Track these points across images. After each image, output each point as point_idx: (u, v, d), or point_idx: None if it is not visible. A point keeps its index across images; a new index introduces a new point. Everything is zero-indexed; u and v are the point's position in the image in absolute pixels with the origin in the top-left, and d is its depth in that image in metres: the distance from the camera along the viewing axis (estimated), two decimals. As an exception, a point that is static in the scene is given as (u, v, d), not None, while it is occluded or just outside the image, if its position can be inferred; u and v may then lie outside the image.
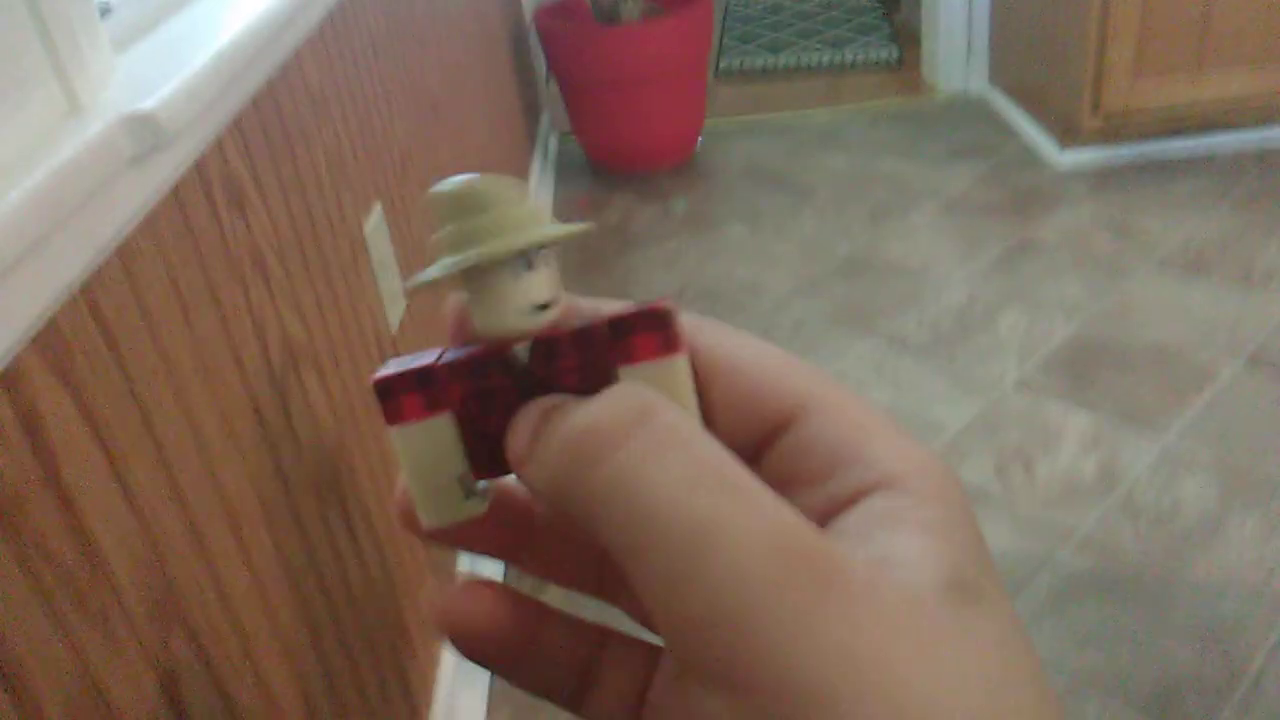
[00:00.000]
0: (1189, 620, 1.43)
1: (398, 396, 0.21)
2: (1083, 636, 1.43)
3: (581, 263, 2.54)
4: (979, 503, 1.68)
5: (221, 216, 0.82)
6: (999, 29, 3.17)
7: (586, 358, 0.21)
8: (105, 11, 0.82)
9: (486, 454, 0.22)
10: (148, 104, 0.66)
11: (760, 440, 0.21)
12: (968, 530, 0.19)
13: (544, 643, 0.23)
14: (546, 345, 0.21)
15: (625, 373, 0.21)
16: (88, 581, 0.58)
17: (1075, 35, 2.57)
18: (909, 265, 2.38)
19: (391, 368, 0.22)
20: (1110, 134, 2.68)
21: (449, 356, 0.22)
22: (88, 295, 0.61)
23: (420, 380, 0.21)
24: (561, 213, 2.84)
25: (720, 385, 0.21)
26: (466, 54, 2.13)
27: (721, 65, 3.80)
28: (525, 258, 0.21)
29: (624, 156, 2.99)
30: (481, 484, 0.22)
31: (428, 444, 0.21)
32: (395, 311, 1.30)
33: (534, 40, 3.20)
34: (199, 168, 0.79)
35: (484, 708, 1.42)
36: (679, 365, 0.21)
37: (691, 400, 0.21)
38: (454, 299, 0.23)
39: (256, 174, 0.91)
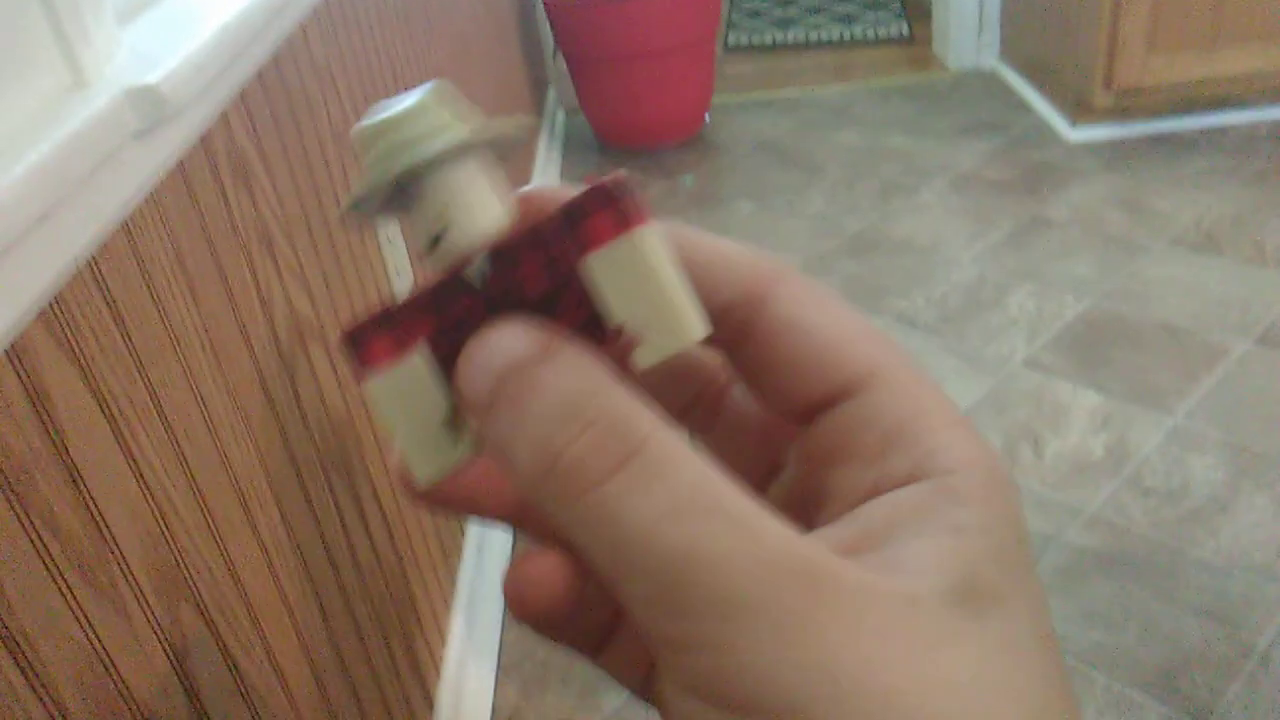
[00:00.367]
0: (1197, 598, 1.43)
1: (363, 345, 0.20)
2: (1091, 614, 1.43)
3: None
4: (987, 481, 1.67)
5: (227, 191, 0.82)
6: (1010, 4, 3.14)
7: (547, 257, 0.20)
8: (110, -16, 0.82)
9: None
10: (152, 77, 0.66)
11: (820, 402, 0.21)
12: (1002, 533, 0.19)
13: (582, 598, 0.22)
14: (503, 254, 0.20)
15: (591, 262, 0.19)
16: (96, 555, 0.58)
17: (1088, 11, 2.54)
18: (918, 242, 2.37)
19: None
20: (1122, 111, 2.66)
21: (407, 296, 0.20)
22: (93, 270, 0.61)
23: (383, 322, 0.20)
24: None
25: (789, 342, 0.21)
26: (473, 28, 2.12)
27: (730, 40, 3.77)
28: (398, 193, 0.20)
29: (631, 132, 2.98)
30: (458, 424, 0.20)
31: (404, 390, 0.20)
32: (402, 287, 1.30)
33: (541, 14, 3.18)
34: (204, 142, 0.78)
35: (492, 681, 1.42)
36: (643, 239, 0.19)
37: (668, 271, 0.19)
38: None
39: (262, 148, 0.90)
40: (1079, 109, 2.70)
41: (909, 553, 0.18)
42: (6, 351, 0.52)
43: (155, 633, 0.63)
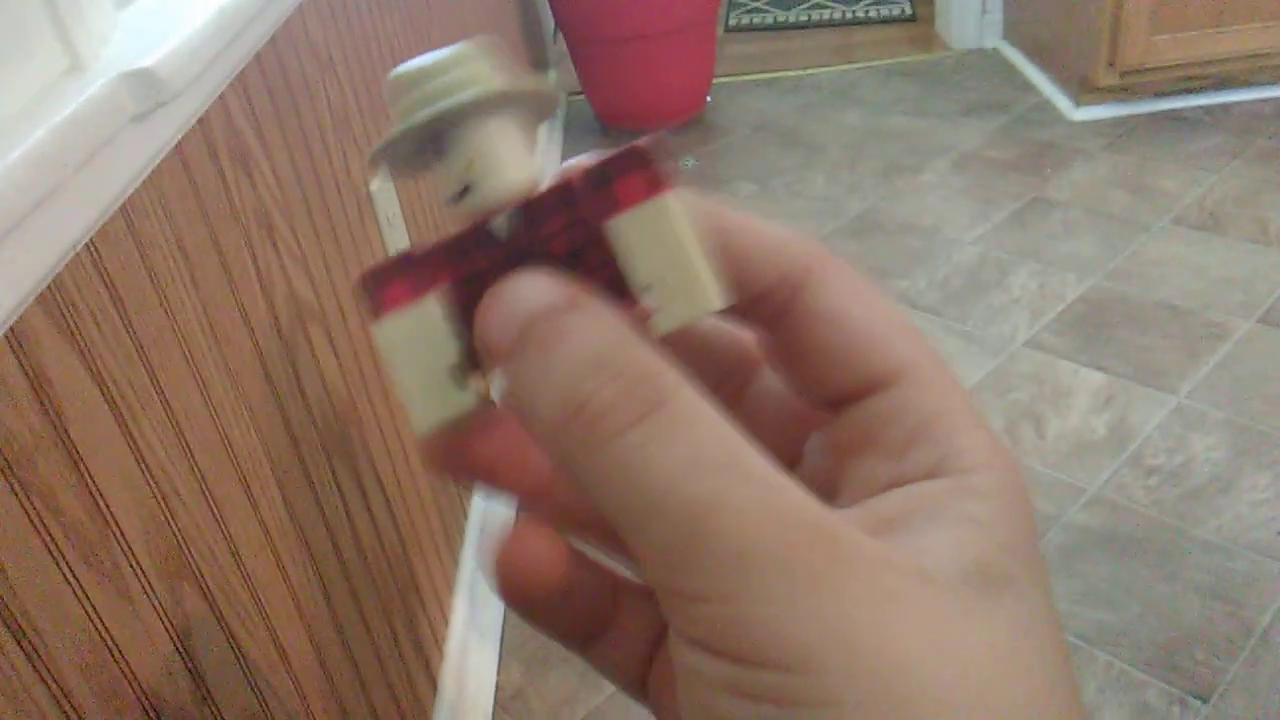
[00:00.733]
0: (1198, 577, 1.43)
1: (380, 287, 0.20)
2: (1092, 593, 1.43)
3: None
4: (989, 461, 1.67)
5: (226, 174, 0.82)
6: (1014, -18, 3.12)
7: (571, 216, 0.20)
8: (106, -33, 0.81)
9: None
10: (148, 60, 0.66)
11: (851, 392, 0.21)
12: (1015, 529, 0.19)
13: (574, 587, 0.22)
14: (528, 211, 0.20)
15: (616, 224, 0.19)
16: (98, 537, 0.58)
17: (1091, -12, 2.53)
18: (921, 223, 2.36)
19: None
20: (1126, 90, 2.65)
21: (428, 245, 0.20)
22: (92, 254, 0.61)
23: (402, 266, 0.20)
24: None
25: (826, 330, 0.21)
26: (472, 10, 2.11)
27: (730, 21, 3.75)
28: (430, 144, 0.20)
29: (632, 114, 2.97)
30: (467, 374, 0.20)
31: (414, 335, 0.20)
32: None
33: (542, -3, 3.17)
34: (202, 125, 0.78)
35: (495, 662, 1.43)
36: (668, 205, 0.19)
37: (690, 239, 0.19)
38: None
39: (261, 131, 0.90)
40: (1082, 88, 2.69)
41: (925, 539, 0.18)
42: (6, 335, 0.52)
43: (158, 614, 0.63)
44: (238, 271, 0.82)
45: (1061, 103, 2.79)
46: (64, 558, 0.55)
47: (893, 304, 0.21)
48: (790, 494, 0.17)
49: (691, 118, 3.01)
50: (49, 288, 0.56)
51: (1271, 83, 2.65)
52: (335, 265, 1.05)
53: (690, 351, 0.22)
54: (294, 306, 0.93)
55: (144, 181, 0.68)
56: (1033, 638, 0.18)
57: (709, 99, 3.08)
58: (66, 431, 0.56)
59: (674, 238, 0.19)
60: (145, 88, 0.65)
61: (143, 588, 0.62)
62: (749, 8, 3.86)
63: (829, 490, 0.21)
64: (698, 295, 0.19)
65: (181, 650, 0.66)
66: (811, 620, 0.16)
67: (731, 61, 3.40)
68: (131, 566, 0.61)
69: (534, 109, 0.21)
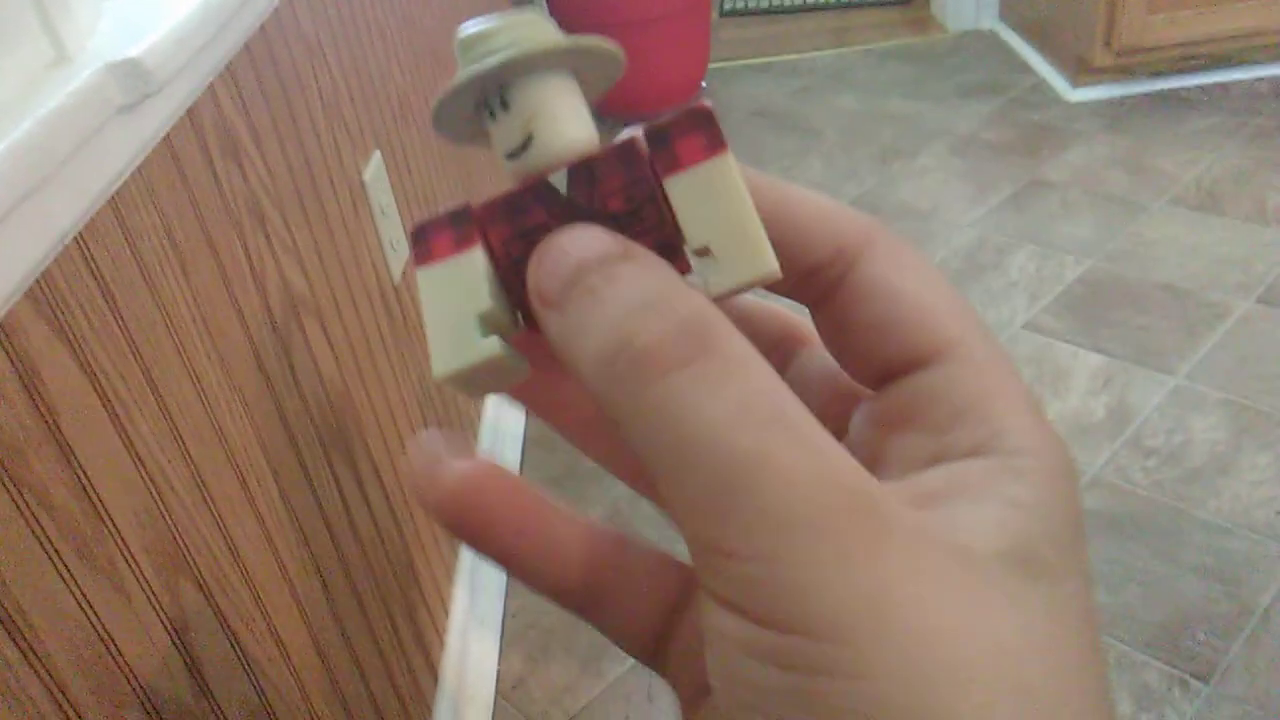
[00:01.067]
0: (1198, 558, 1.43)
1: (427, 238, 0.20)
2: (1092, 575, 1.43)
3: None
4: (988, 444, 1.67)
5: (216, 165, 0.81)
6: (1009, -37, 3.11)
7: (629, 175, 0.20)
8: (92, -43, 0.81)
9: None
10: (135, 51, 0.65)
11: (898, 367, 0.21)
12: (1060, 517, 0.19)
13: (554, 538, 0.22)
14: (585, 169, 0.20)
15: (675, 183, 0.20)
16: (92, 533, 0.58)
17: (1087, -32, 2.51)
18: (918, 207, 2.35)
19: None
20: (1123, 70, 2.64)
21: (484, 201, 0.20)
22: (81, 247, 0.60)
23: (454, 219, 0.20)
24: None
25: (876, 304, 0.21)
26: (466, -2, 2.10)
27: (725, 6, 3.74)
28: (493, 98, 0.20)
29: (627, 100, 2.95)
30: (501, 346, 0.20)
31: (451, 283, 0.20)
32: (397, 260, 1.29)
33: (535, -17, 3.15)
34: (191, 116, 0.77)
35: (496, 652, 1.43)
36: (727, 165, 0.19)
37: (746, 202, 0.19)
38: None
39: (251, 121, 0.89)
40: (1079, 69, 2.68)
41: (967, 517, 0.18)
42: (-6, 330, 0.52)
43: (155, 609, 0.63)
44: (229, 263, 0.81)
45: (1058, 84, 2.78)
46: (58, 553, 0.55)
47: (944, 278, 0.21)
48: (836, 458, 0.17)
49: (687, 103, 2.99)
50: (37, 281, 0.56)
51: (1269, 61, 2.63)
52: (329, 255, 1.05)
53: (739, 319, 0.22)
54: (287, 297, 0.92)
55: (132, 173, 0.67)
56: (1066, 626, 0.17)
57: (704, 84, 3.07)
58: (58, 426, 0.56)
59: (733, 199, 0.19)
60: (132, 78, 0.65)
61: (138, 582, 0.62)
62: (744, -8, 3.84)
63: (871, 465, 0.21)
64: (755, 258, 0.19)
65: (179, 644, 0.65)
66: (847, 589, 0.16)
67: (727, 46, 3.38)
68: (127, 561, 0.61)
69: (600, 71, 0.21)
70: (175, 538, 0.67)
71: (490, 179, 2.05)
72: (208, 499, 0.72)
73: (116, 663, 0.58)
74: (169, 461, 0.67)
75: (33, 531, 0.53)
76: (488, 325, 0.20)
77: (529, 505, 0.22)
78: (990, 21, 3.25)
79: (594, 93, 0.21)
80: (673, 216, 0.20)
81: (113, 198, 0.64)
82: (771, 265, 0.19)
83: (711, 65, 3.11)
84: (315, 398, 0.96)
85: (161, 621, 0.64)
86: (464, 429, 1.57)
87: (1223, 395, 1.70)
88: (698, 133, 0.20)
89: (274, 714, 0.78)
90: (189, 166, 0.76)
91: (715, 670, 0.17)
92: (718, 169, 0.20)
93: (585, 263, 0.19)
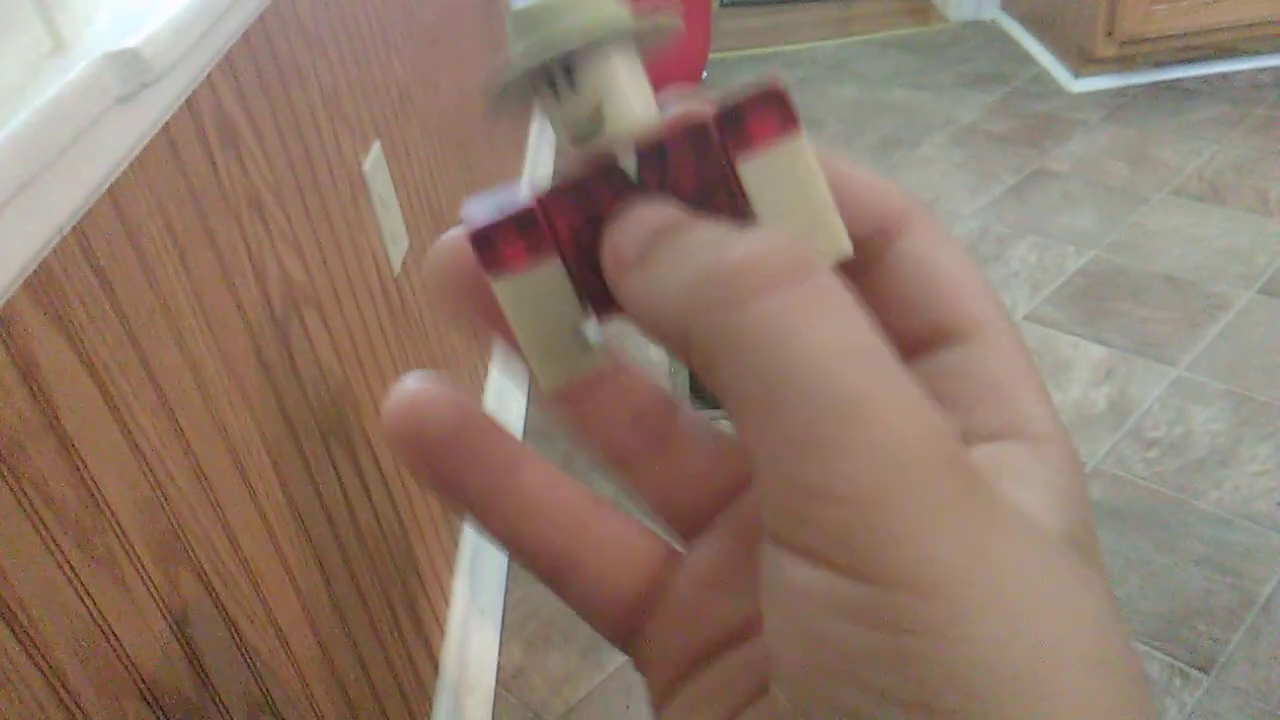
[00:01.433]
0: (1199, 549, 1.43)
1: (499, 247, 0.19)
2: (1092, 566, 1.43)
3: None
4: (989, 435, 1.67)
5: (215, 155, 0.81)
6: (1012, -48, 3.10)
7: (701, 157, 0.19)
8: (89, -54, 0.80)
9: (605, 289, 0.19)
10: (132, 41, 0.65)
11: (925, 340, 0.20)
12: (1086, 502, 0.19)
13: (515, 480, 0.21)
14: (655, 151, 0.19)
15: (748, 166, 0.19)
16: (92, 524, 0.58)
17: (1090, -43, 2.50)
18: (920, 197, 2.34)
19: (482, 211, 0.19)
20: (1125, 61, 2.63)
21: (546, 184, 0.19)
22: (79, 237, 0.60)
23: (521, 225, 0.19)
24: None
25: (911, 278, 0.20)
26: (466, -13, 2.09)
27: (727, -4, 3.73)
28: (561, 74, 0.19)
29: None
30: (593, 332, 0.20)
31: (537, 295, 0.19)
32: (397, 251, 1.29)
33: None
34: (190, 106, 0.77)
35: (496, 640, 1.43)
36: (801, 145, 0.19)
37: (821, 181, 0.19)
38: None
39: (250, 112, 0.89)
40: (1081, 59, 2.67)
41: (1020, 498, 0.18)
42: (-8, 321, 0.52)
43: (154, 600, 0.63)
44: (229, 254, 0.81)
45: (1060, 74, 2.77)
46: (58, 545, 0.55)
47: (975, 266, 0.21)
48: (935, 410, 0.16)
49: (688, 94, 2.99)
50: (35, 273, 0.56)
51: (1271, 52, 2.63)
52: (329, 247, 1.04)
53: None
54: (287, 288, 0.92)
55: (131, 164, 0.67)
56: (1115, 614, 0.17)
57: (705, 74, 3.06)
58: (57, 418, 0.56)
59: (807, 180, 0.19)
60: (130, 68, 0.65)
61: (138, 573, 0.62)
62: (745, -18, 3.83)
63: None
64: (829, 239, 0.19)
65: (179, 635, 0.65)
66: (951, 544, 0.15)
67: (728, 36, 3.37)
68: (126, 552, 0.61)
69: (656, 43, 0.21)
70: (175, 528, 0.67)
71: (491, 167, 2.04)
72: (207, 490, 0.72)
73: (116, 653, 0.59)
74: (168, 452, 0.67)
75: (32, 523, 0.53)
76: (584, 337, 0.19)
77: (481, 430, 0.20)
78: (992, 11, 3.24)
79: (644, 61, 0.21)
80: (745, 197, 0.19)
81: (111, 188, 0.64)
82: (846, 246, 0.19)
83: (713, 55, 3.10)
84: (315, 389, 0.96)
85: (161, 612, 0.64)
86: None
87: (1224, 386, 1.70)
88: (771, 112, 0.19)
89: (274, 704, 0.78)
90: (187, 157, 0.76)
91: (789, 637, 0.16)
92: (792, 149, 0.19)
93: (665, 225, 0.18)
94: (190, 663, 0.66)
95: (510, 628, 1.46)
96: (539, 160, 2.62)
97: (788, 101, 0.19)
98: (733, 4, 3.67)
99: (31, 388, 0.54)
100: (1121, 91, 2.65)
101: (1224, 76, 2.63)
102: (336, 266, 1.06)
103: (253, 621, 0.76)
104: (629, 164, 0.19)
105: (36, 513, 0.53)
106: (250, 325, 0.83)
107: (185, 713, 0.65)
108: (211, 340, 0.76)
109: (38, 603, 0.52)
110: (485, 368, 1.73)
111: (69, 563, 0.55)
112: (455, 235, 0.20)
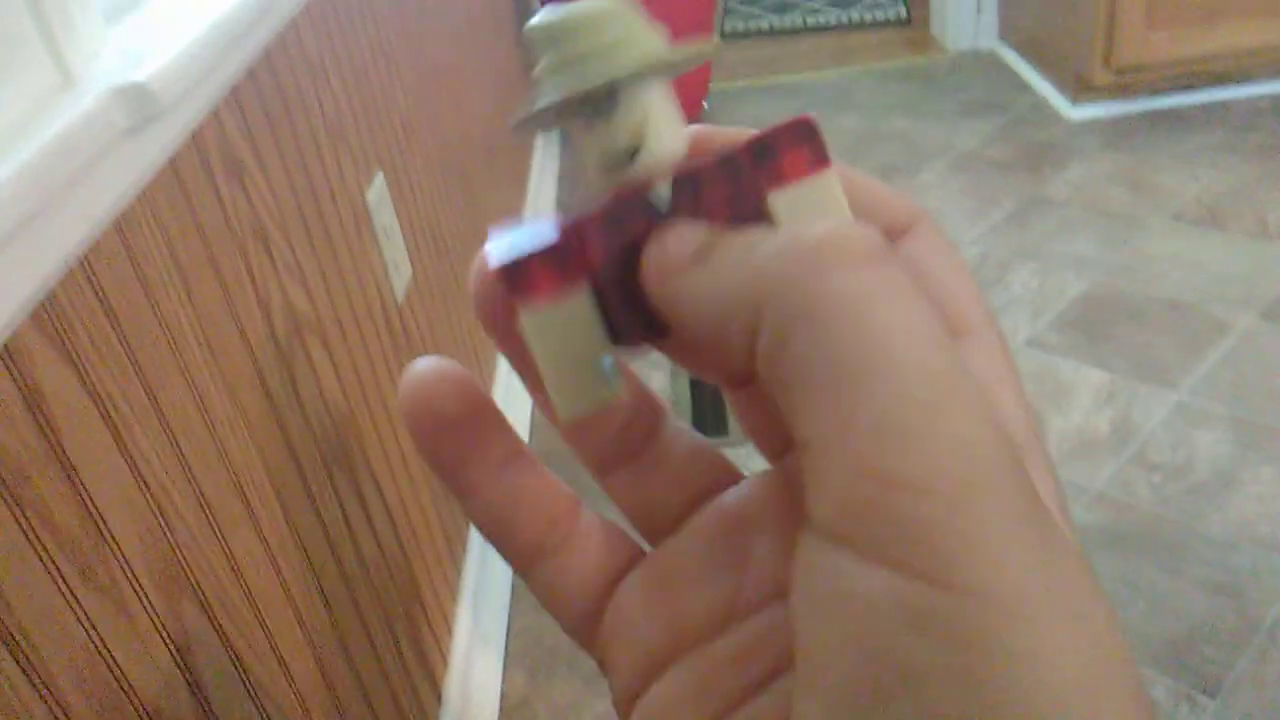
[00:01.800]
0: (1204, 574, 1.43)
1: (530, 279, 0.19)
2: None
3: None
4: (991, 461, 1.67)
5: (220, 187, 0.82)
6: (1008, -18, 3.12)
7: (735, 188, 0.19)
8: (97, -17, 0.82)
9: (636, 317, 0.19)
10: (140, 75, 0.66)
11: None
12: (1064, 509, 0.19)
13: (513, 482, 0.21)
14: (689, 180, 0.19)
15: (778, 198, 0.19)
16: (95, 553, 0.58)
17: (1086, -13, 2.53)
18: (919, 225, 2.36)
19: (506, 247, 0.19)
20: (1122, 88, 2.65)
21: (575, 215, 0.19)
22: (86, 268, 0.61)
23: (555, 256, 0.19)
24: (566, 181, 2.82)
25: None
26: (468, 20, 2.11)
27: (727, 28, 3.76)
28: (603, 99, 0.19)
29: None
30: (608, 363, 0.19)
31: (564, 327, 0.19)
32: (400, 281, 1.30)
33: (536, 5, 3.17)
34: (196, 139, 0.78)
35: (499, 670, 1.43)
36: (831, 180, 0.19)
37: (847, 212, 0.20)
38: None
39: (255, 144, 0.90)
40: (1079, 87, 2.69)
41: None
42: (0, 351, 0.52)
43: (157, 628, 0.63)
44: (233, 284, 0.82)
45: (1058, 102, 2.79)
46: (60, 573, 0.55)
47: (971, 274, 0.22)
48: (998, 408, 0.16)
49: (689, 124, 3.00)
50: (42, 303, 0.56)
51: (1268, 78, 2.64)
52: (332, 276, 1.05)
53: None
54: (291, 318, 0.93)
55: (137, 195, 0.68)
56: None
57: (706, 105, 3.09)
58: (61, 446, 0.56)
59: (835, 211, 0.19)
60: (137, 102, 0.66)
61: (141, 602, 0.62)
62: (745, 14, 3.87)
63: None
64: None
65: (181, 664, 0.65)
66: (1032, 556, 0.14)
67: (728, 68, 3.40)
68: (129, 581, 0.61)
69: (684, 71, 0.21)
70: (178, 557, 0.67)
71: (494, 197, 2.06)
72: (210, 518, 0.72)
73: (119, 682, 0.59)
74: (172, 481, 0.67)
75: (35, 551, 0.53)
76: (607, 369, 0.19)
77: (485, 419, 0.21)
78: (990, 41, 3.27)
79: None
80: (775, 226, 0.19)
81: (117, 220, 0.65)
82: None
83: (713, 85, 3.13)
84: (318, 417, 0.96)
85: (164, 641, 0.64)
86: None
87: (1226, 410, 1.70)
88: (803, 147, 0.19)
89: (277, 734, 0.78)
90: (193, 188, 0.77)
91: (839, 648, 0.14)
92: (823, 184, 0.19)
93: (716, 234, 0.18)
94: (192, 692, 0.66)
95: (514, 656, 1.45)
96: (541, 191, 2.63)
97: (820, 137, 0.19)
98: (734, 35, 3.70)
99: (36, 417, 0.55)
100: (1119, 119, 2.67)
101: (1221, 103, 2.65)
102: (340, 296, 1.07)
103: (255, 651, 0.76)
104: (661, 193, 0.19)
105: (40, 541, 0.54)
106: (254, 354, 0.84)
107: (187, 742, 0.65)
108: (216, 370, 0.76)
109: (40, 631, 0.53)
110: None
111: (71, 591, 0.55)
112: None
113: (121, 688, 0.59)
